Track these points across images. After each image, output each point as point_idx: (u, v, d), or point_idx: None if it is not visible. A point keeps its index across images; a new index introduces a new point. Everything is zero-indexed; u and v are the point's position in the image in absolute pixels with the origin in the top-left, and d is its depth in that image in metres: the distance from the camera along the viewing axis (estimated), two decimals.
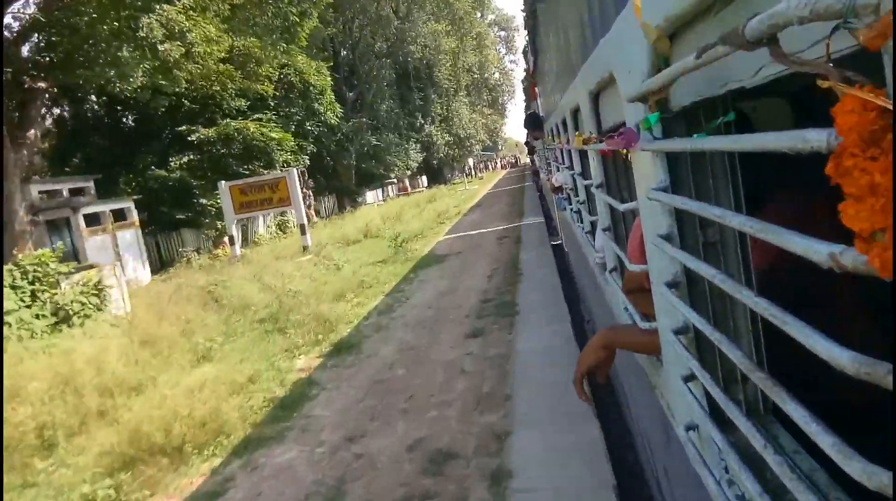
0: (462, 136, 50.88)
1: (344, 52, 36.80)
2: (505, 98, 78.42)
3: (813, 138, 0.50)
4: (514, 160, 79.95)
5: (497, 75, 73.80)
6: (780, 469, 0.73)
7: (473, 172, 58.23)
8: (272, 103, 24.17)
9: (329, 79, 26.92)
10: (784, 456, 0.75)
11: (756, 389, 1.19)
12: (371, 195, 38.06)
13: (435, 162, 49.26)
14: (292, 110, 25.39)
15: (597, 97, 2.03)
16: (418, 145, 43.42)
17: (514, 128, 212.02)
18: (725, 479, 1.11)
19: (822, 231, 0.59)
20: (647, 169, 1.27)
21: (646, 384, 1.98)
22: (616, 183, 2.20)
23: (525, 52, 8.09)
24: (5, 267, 8.49)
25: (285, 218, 25.47)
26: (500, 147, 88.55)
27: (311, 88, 26.00)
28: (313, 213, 24.19)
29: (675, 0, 0.92)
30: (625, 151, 1.56)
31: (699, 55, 0.63)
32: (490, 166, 73.56)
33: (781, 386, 0.71)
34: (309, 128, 25.91)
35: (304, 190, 24.57)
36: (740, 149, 0.65)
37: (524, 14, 6.01)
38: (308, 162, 24.97)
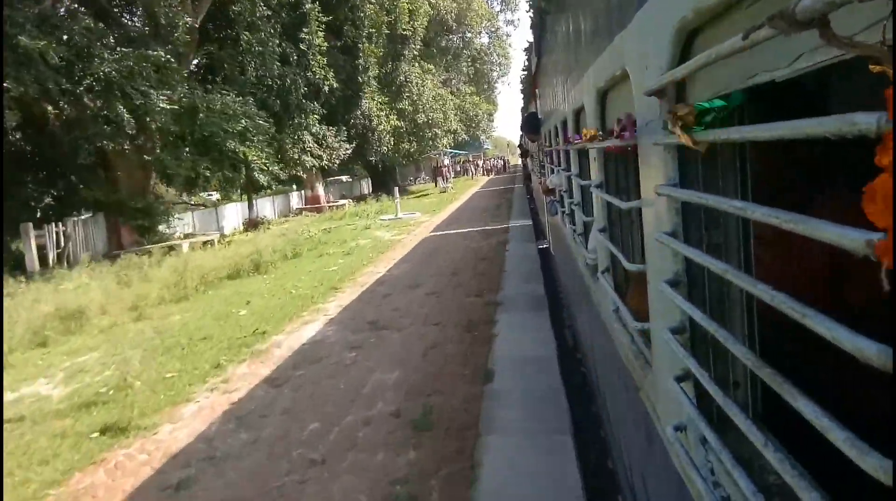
0: (419, 122, 31.83)
1: None
2: (495, 74, 53.07)
3: (862, 122, 0.48)
4: (501, 164, 57.31)
5: (486, 39, 48.85)
6: (781, 466, 0.72)
7: (438, 180, 36.80)
8: None
9: None
10: (784, 454, 0.74)
11: (747, 392, 1.19)
12: (233, 212, 22.35)
13: (374, 159, 30.41)
14: None
15: (604, 96, 2.03)
16: (341, 131, 24.15)
17: (506, 120, 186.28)
18: (711, 480, 1.10)
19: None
20: (656, 165, 1.26)
21: (628, 387, 1.98)
22: (615, 183, 2.20)
23: (528, 51, 8.08)
24: None
25: None
26: (484, 144, 60.16)
27: None
28: None
29: None
30: (629, 148, 1.56)
31: (745, 36, 0.62)
32: (471, 170, 50.36)
33: (790, 382, 0.70)
34: None
35: None
36: (779, 137, 0.64)
37: (531, 16, 6.01)
38: None
